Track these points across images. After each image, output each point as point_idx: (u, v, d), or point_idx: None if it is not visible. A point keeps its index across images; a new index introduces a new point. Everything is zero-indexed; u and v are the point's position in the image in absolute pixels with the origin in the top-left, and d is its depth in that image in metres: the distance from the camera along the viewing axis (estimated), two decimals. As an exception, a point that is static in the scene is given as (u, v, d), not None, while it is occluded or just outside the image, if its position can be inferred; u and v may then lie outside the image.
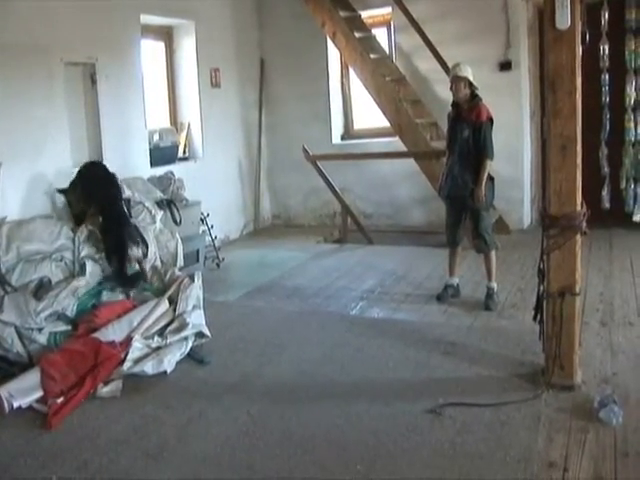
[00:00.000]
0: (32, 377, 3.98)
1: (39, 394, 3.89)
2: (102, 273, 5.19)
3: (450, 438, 3.30)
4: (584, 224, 3.66)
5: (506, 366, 4.10)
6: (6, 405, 3.78)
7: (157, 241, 5.61)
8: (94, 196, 5.40)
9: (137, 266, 5.31)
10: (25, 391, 3.89)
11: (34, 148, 5.65)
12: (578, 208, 3.64)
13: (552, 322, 3.73)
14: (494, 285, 5.37)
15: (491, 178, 5.33)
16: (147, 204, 5.70)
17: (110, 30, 6.44)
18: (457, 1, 7.65)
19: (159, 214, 5.74)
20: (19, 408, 3.81)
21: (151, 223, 5.64)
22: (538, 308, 3.91)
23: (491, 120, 5.25)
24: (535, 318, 3.95)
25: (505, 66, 7.59)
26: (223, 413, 3.72)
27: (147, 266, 5.34)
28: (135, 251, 5.26)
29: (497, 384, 3.88)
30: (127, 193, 5.65)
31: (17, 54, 5.46)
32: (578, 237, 3.66)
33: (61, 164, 5.92)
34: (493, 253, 5.38)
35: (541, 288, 3.85)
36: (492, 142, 5.21)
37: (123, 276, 5.18)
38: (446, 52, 7.34)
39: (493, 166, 5.32)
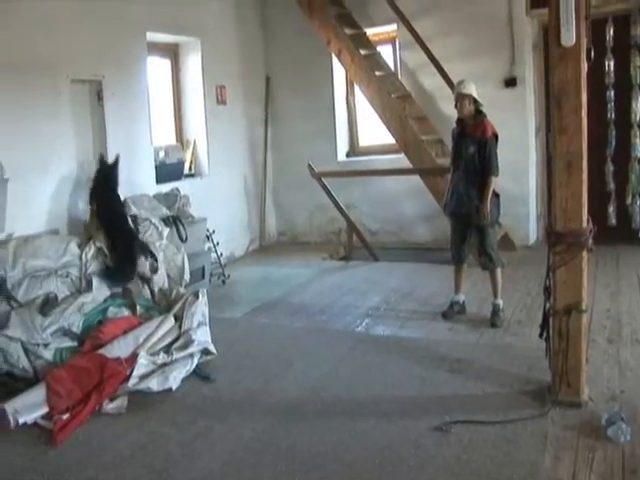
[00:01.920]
0: (38, 393, 3.98)
1: (44, 410, 3.89)
2: (109, 290, 5.20)
3: (456, 455, 3.28)
4: (590, 241, 3.65)
5: (512, 383, 4.08)
6: (12, 421, 3.78)
7: (164, 255, 5.63)
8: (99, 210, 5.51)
9: (147, 288, 5.36)
10: (31, 407, 3.89)
11: (40, 165, 5.68)
12: (584, 224, 3.63)
13: (558, 339, 3.71)
14: (500, 302, 5.35)
15: (496, 195, 5.33)
16: (154, 220, 5.72)
17: (117, 47, 6.50)
18: (462, 18, 7.69)
19: (166, 230, 5.76)
20: (24, 424, 3.81)
21: (158, 239, 5.66)
22: (544, 325, 3.89)
23: (496, 136, 5.26)
24: (541, 335, 3.93)
25: (510, 82, 7.61)
26: (229, 430, 3.71)
27: (155, 287, 5.37)
28: (144, 262, 5.31)
29: (503, 401, 3.85)
30: (134, 210, 5.68)
31: (24, 71, 5.51)
32: (584, 254, 3.65)
33: (68, 180, 5.96)
34: (499, 270, 5.38)
35: (547, 305, 3.84)
36: (497, 158, 5.22)
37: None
38: (451, 69, 7.37)
39: (498, 182, 5.33)
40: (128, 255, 5.35)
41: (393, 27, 8.26)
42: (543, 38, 7.53)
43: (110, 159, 5.95)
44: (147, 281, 5.40)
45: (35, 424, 3.84)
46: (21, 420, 3.80)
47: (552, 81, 3.67)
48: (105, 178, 5.73)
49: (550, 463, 3.15)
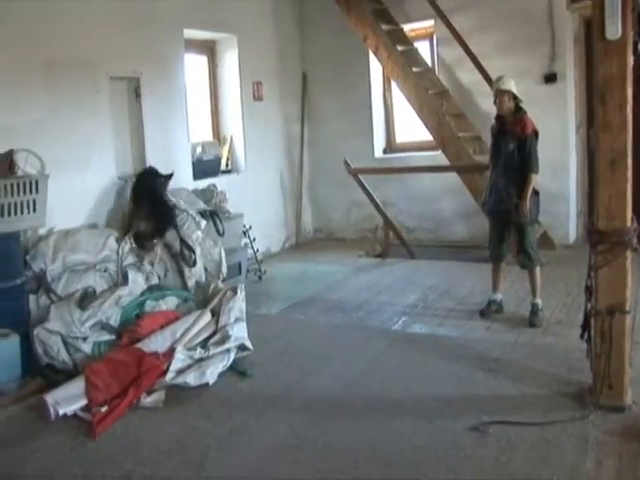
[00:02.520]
0: (77, 385, 4.05)
1: (84, 402, 3.96)
2: (145, 282, 5.25)
3: (494, 456, 3.24)
4: (635, 240, 3.57)
5: (551, 384, 4.01)
6: (52, 412, 3.86)
7: (201, 249, 5.67)
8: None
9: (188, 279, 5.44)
10: (70, 399, 3.95)
11: (80, 161, 5.75)
12: (628, 223, 3.55)
13: (600, 340, 3.63)
14: (539, 301, 5.27)
15: (536, 192, 5.25)
16: (191, 212, 5.77)
17: (154, 45, 6.55)
18: (500, 13, 7.58)
19: (203, 222, 5.81)
20: (64, 415, 3.88)
21: (196, 229, 5.70)
22: (586, 326, 3.81)
23: (536, 133, 5.18)
24: (582, 336, 3.85)
25: (550, 78, 7.47)
26: (265, 425, 3.72)
27: (192, 281, 5.42)
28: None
29: (542, 403, 3.79)
30: (173, 200, 5.74)
31: (64, 69, 5.58)
32: (628, 253, 3.56)
33: (106, 176, 6.02)
34: (538, 269, 5.29)
35: (589, 305, 3.76)
36: (537, 156, 5.14)
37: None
38: (489, 64, 7.27)
39: (538, 180, 5.24)
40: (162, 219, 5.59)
41: (430, 23, 8.18)
42: (585, 32, 7.39)
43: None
44: (181, 274, 5.45)
45: (75, 416, 3.90)
46: (61, 411, 3.87)
47: (596, 76, 3.58)
48: (154, 177, 5.92)
49: (592, 468, 3.09)
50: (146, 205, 5.69)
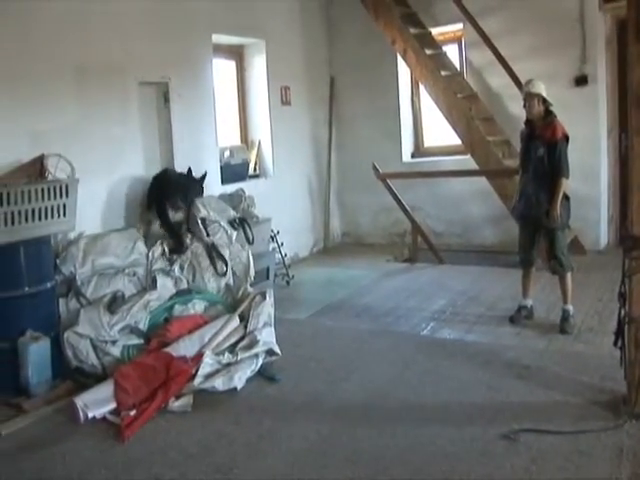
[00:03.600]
0: (106, 389, 4.06)
1: (112, 406, 3.97)
2: (174, 286, 5.27)
3: (525, 465, 3.18)
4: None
5: (584, 392, 3.93)
6: (81, 415, 3.88)
7: (229, 251, 5.69)
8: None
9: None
10: (99, 402, 3.97)
11: (109, 165, 5.79)
12: (663, 229, 3.48)
13: (635, 348, 3.56)
14: (570, 308, 5.19)
15: (567, 197, 5.18)
16: (223, 224, 5.80)
17: (183, 50, 6.59)
18: (530, 15, 7.51)
19: (234, 235, 5.84)
20: (93, 418, 3.90)
21: (228, 242, 5.73)
22: (619, 333, 3.73)
23: (567, 138, 5.10)
24: (616, 344, 3.77)
25: (581, 81, 7.38)
26: (293, 431, 3.70)
27: (222, 282, 5.44)
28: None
29: (574, 411, 3.72)
30: (203, 212, 5.76)
31: (94, 75, 5.63)
32: (664, 259, 3.50)
33: (134, 181, 6.06)
34: (569, 275, 5.21)
35: (622, 312, 3.69)
36: (568, 160, 5.07)
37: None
38: (519, 67, 7.19)
39: (568, 184, 5.17)
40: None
41: (459, 26, 8.13)
42: (617, 34, 7.28)
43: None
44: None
45: (103, 419, 3.92)
46: (90, 414, 3.89)
47: (630, 79, 3.52)
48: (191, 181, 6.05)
49: (627, 479, 3.01)
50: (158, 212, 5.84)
